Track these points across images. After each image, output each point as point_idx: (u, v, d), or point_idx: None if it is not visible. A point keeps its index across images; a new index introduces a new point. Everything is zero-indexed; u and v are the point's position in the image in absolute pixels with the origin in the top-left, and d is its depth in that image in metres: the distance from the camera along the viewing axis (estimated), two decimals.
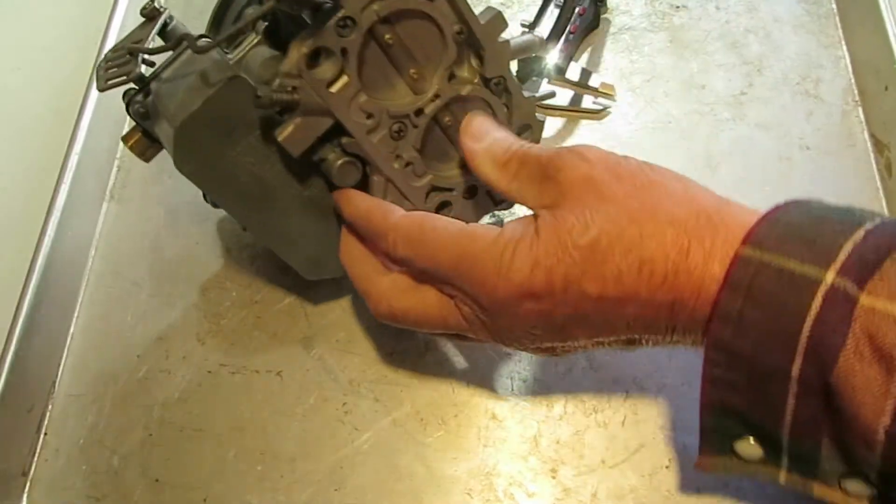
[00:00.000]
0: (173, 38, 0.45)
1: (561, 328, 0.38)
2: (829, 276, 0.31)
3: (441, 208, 0.48)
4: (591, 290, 0.36)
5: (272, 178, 0.45)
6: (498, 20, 0.44)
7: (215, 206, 0.49)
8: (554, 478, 0.48)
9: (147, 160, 0.48)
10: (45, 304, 0.54)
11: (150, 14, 0.47)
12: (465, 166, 0.46)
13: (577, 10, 0.64)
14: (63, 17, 0.62)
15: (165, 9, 0.47)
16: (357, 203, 0.44)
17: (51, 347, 0.55)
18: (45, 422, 0.53)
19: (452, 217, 0.43)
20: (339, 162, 0.43)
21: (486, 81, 0.46)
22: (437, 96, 0.44)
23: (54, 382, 0.54)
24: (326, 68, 0.40)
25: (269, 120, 0.42)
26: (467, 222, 0.41)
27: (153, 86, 0.44)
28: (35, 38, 0.59)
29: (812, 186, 0.58)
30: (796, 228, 0.33)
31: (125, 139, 0.47)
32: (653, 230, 0.35)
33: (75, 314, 0.57)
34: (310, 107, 0.40)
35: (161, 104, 0.42)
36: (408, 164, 0.45)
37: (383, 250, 0.42)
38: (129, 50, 0.44)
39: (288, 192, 0.45)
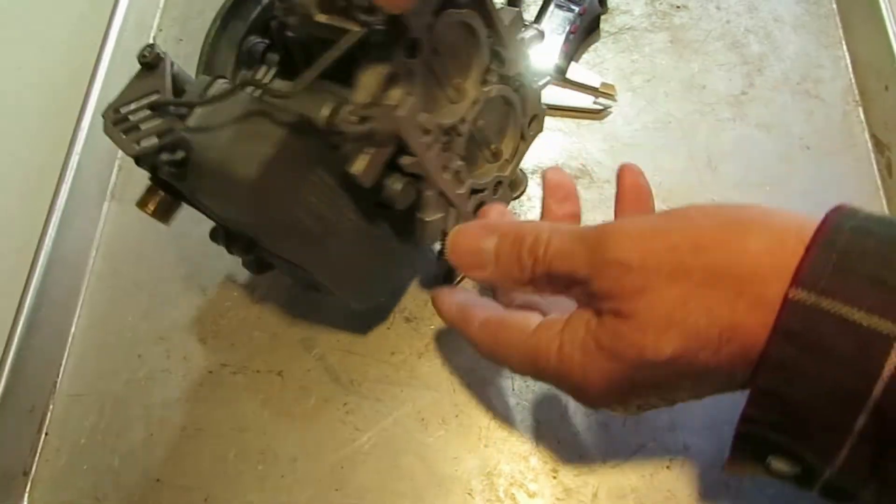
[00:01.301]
0: (180, 84, 0.43)
1: (658, 399, 0.37)
2: None
3: (478, 208, 0.48)
4: (684, 384, 0.34)
5: (332, 213, 0.42)
6: (518, 20, 0.44)
7: (260, 269, 0.47)
8: (555, 478, 0.48)
9: (169, 223, 0.44)
10: (45, 304, 0.54)
11: (152, 61, 0.43)
12: (492, 162, 0.48)
13: (577, 9, 0.64)
14: (63, 17, 0.62)
15: (165, 53, 0.45)
16: (444, 312, 0.43)
17: (51, 347, 0.55)
18: (46, 421, 0.53)
19: None
20: (401, 185, 0.41)
21: (505, 79, 0.46)
22: (474, 102, 0.44)
23: (55, 382, 0.54)
24: (395, 93, 0.39)
25: (329, 155, 0.39)
26: None
27: (184, 138, 0.41)
28: (35, 38, 0.59)
29: (812, 186, 0.58)
30: (856, 260, 0.29)
31: (144, 204, 0.42)
32: (740, 318, 0.31)
33: (76, 314, 0.57)
34: (380, 134, 0.39)
35: (207, 158, 0.39)
36: (455, 173, 0.45)
37: (468, 339, 0.42)
38: (151, 105, 0.42)
39: (346, 225, 0.43)
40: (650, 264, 0.32)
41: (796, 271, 0.30)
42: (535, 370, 0.37)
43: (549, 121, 0.58)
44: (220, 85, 0.42)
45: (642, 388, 0.35)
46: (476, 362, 0.52)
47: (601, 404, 0.37)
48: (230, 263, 0.58)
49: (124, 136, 0.41)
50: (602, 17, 0.67)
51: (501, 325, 0.39)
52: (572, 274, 0.35)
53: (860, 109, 0.62)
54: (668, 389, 0.35)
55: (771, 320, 0.30)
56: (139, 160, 0.41)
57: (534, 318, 0.39)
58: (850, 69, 0.64)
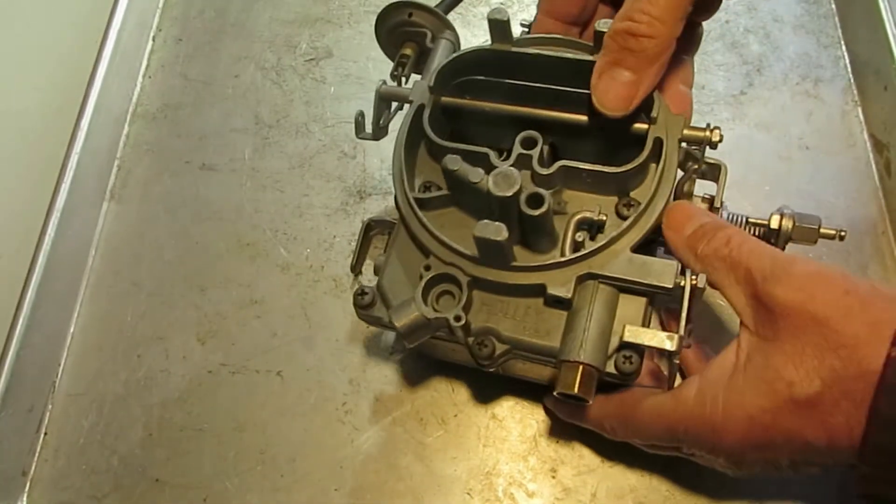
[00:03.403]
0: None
1: (786, 466, 0.37)
2: None
3: None
4: (818, 443, 0.34)
5: None
6: None
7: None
8: (554, 477, 0.48)
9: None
10: (44, 303, 0.54)
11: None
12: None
13: None
14: (63, 17, 0.62)
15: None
16: (566, 411, 0.46)
17: (50, 347, 0.55)
18: (45, 421, 0.53)
19: None
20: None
21: None
22: None
23: (54, 382, 0.54)
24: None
25: None
26: None
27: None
28: (35, 38, 0.59)
29: (812, 186, 0.58)
30: None
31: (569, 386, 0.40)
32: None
33: (75, 314, 0.57)
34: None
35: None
36: None
37: (606, 435, 0.44)
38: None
39: None
40: (825, 296, 0.34)
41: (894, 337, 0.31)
42: (672, 422, 0.38)
43: None
44: None
45: (780, 437, 0.35)
46: None
47: (735, 452, 0.37)
48: (230, 263, 0.58)
49: None
50: None
51: (628, 392, 0.42)
52: (751, 269, 0.36)
53: (859, 109, 0.62)
54: (802, 446, 0.35)
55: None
56: None
57: (657, 385, 0.42)
58: (850, 69, 0.64)
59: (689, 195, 0.45)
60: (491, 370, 0.42)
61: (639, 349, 0.39)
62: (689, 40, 0.46)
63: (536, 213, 0.38)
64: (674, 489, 0.47)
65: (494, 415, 0.50)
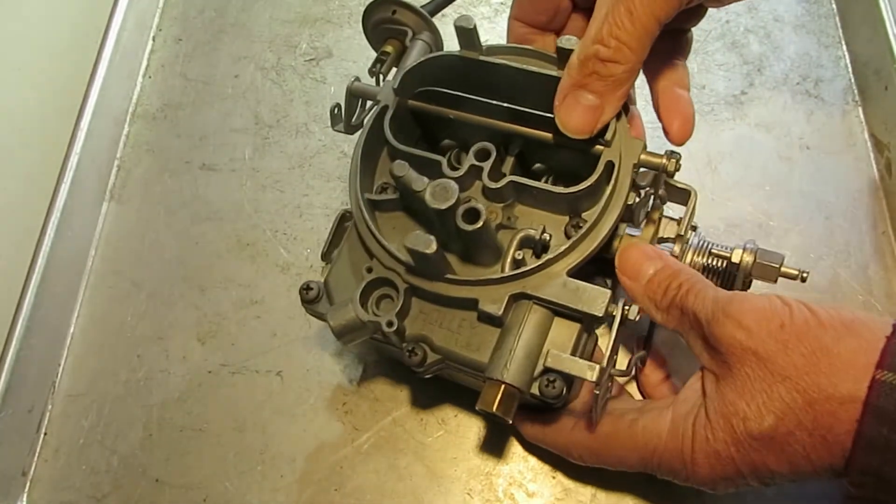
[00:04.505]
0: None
1: (760, 487, 0.39)
2: None
3: None
4: (781, 469, 0.36)
5: None
6: None
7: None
8: (554, 478, 0.48)
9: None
10: (44, 303, 0.54)
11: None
12: None
13: None
14: (63, 17, 0.62)
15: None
16: (529, 432, 0.46)
17: (50, 347, 0.55)
18: (45, 422, 0.53)
19: None
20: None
21: None
22: None
23: (54, 382, 0.54)
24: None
25: None
26: None
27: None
28: (35, 38, 0.58)
29: (812, 186, 0.58)
30: None
31: (489, 405, 0.39)
32: (834, 409, 0.34)
33: (75, 314, 0.57)
34: None
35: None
36: None
37: (574, 461, 0.44)
38: None
39: None
40: (761, 331, 0.36)
41: (882, 355, 0.33)
42: (645, 454, 0.40)
43: None
44: None
45: (745, 467, 0.36)
46: None
47: (707, 482, 0.39)
48: (230, 263, 0.58)
49: None
50: None
51: (601, 426, 0.42)
52: (697, 314, 0.38)
53: (860, 109, 0.62)
54: (768, 474, 0.37)
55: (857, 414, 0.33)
56: None
57: (625, 407, 0.42)
58: (850, 69, 0.64)
59: (657, 221, 0.44)
60: (427, 377, 0.43)
61: (564, 374, 0.39)
62: (679, 46, 0.46)
63: (470, 228, 0.37)
64: (674, 489, 0.47)
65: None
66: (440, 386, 0.49)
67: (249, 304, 0.56)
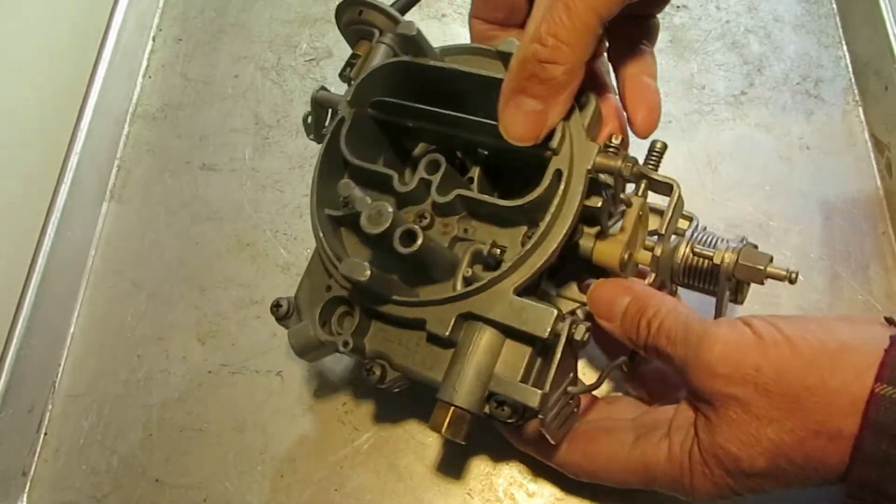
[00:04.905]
0: None
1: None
2: None
3: None
4: (781, 491, 0.37)
5: None
6: None
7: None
8: (554, 478, 0.48)
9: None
10: (44, 303, 0.54)
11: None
12: None
13: None
14: (63, 17, 0.62)
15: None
16: (522, 444, 0.44)
17: (51, 347, 0.55)
18: (45, 422, 0.53)
19: None
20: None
21: None
22: None
23: (54, 382, 0.54)
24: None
25: None
26: None
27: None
28: (35, 38, 0.58)
29: (812, 187, 0.58)
30: None
31: (438, 427, 0.38)
32: (824, 445, 0.34)
33: (75, 314, 0.57)
34: None
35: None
36: None
37: (571, 476, 0.44)
38: None
39: None
40: (735, 377, 0.35)
41: (879, 369, 0.33)
42: (645, 479, 0.39)
43: None
44: None
45: (743, 491, 0.37)
46: None
47: (709, 502, 0.39)
48: (230, 263, 0.58)
49: None
50: None
51: (591, 440, 0.41)
52: (672, 358, 0.38)
53: (860, 109, 0.62)
54: (766, 496, 0.37)
55: (851, 438, 0.33)
56: None
57: (621, 425, 0.41)
58: (850, 69, 0.64)
59: (640, 218, 0.41)
60: (396, 391, 0.43)
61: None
62: (646, 32, 0.44)
63: (406, 251, 0.36)
64: None
65: None
66: None
67: (249, 304, 0.56)
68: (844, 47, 0.65)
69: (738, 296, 0.44)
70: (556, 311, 0.37)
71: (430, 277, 0.40)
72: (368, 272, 0.36)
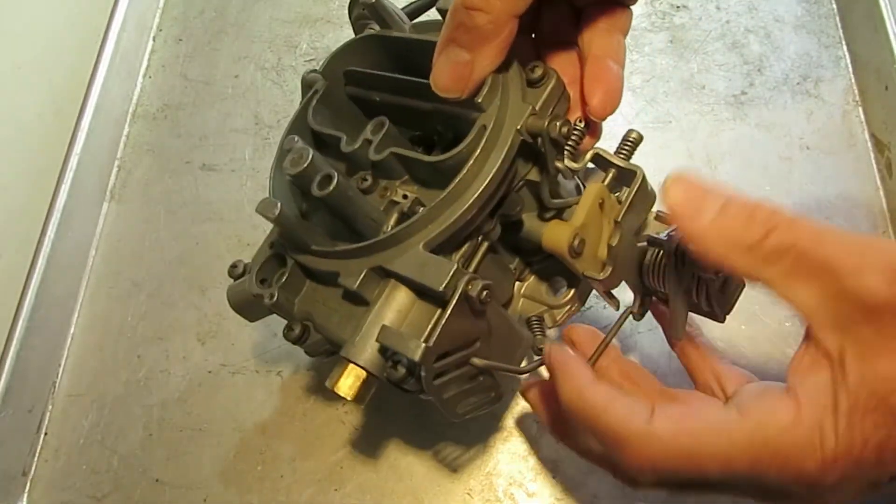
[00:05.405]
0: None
1: (877, 488, 0.30)
2: None
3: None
4: None
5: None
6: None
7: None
8: (554, 478, 0.48)
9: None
10: (45, 304, 0.54)
11: None
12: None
13: None
14: (63, 16, 0.62)
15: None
16: (586, 392, 0.34)
17: (51, 347, 0.55)
18: (46, 422, 0.53)
19: None
20: None
21: None
22: None
23: (54, 382, 0.54)
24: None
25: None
26: None
27: None
28: (35, 38, 0.59)
29: (812, 186, 0.58)
30: None
31: (332, 383, 0.37)
32: None
33: (75, 314, 0.57)
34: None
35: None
36: None
37: (626, 463, 0.33)
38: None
39: None
40: None
41: None
42: (757, 457, 0.30)
43: None
44: None
45: (889, 455, 0.28)
46: None
47: (835, 487, 0.30)
48: (229, 264, 0.58)
49: None
50: None
51: (685, 402, 0.33)
52: (828, 259, 0.29)
53: (860, 109, 0.62)
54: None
55: None
56: None
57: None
58: (850, 69, 0.64)
59: (602, 202, 0.38)
60: (325, 359, 0.41)
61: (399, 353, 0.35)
62: (619, 22, 0.41)
63: (319, 193, 0.35)
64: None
65: (495, 415, 0.50)
66: None
67: None
68: (844, 47, 0.65)
69: (718, 304, 0.38)
70: (456, 265, 0.35)
71: (358, 233, 0.39)
72: (277, 209, 0.35)
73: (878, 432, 0.28)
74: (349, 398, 0.35)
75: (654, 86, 0.64)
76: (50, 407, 0.54)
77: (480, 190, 0.36)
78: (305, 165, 0.35)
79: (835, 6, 0.67)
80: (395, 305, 0.36)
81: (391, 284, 0.37)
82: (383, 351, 0.36)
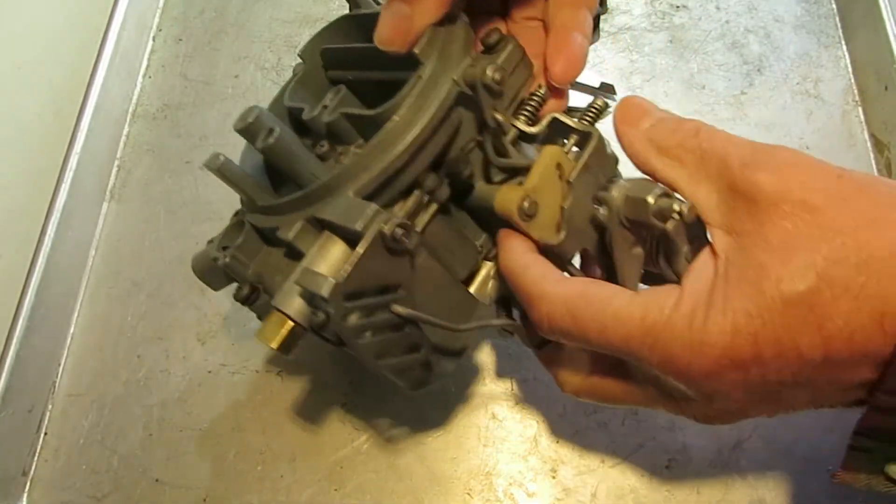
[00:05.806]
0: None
1: (773, 397, 0.31)
2: None
3: None
4: (813, 354, 0.28)
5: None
6: None
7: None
8: (554, 478, 0.48)
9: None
10: (44, 304, 0.54)
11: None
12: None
13: None
14: (63, 16, 0.62)
15: None
16: (515, 256, 0.36)
17: (51, 347, 0.55)
18: (46, 422, 0.53)
19: None
20: None
21: None
22: None
23: (54, 382, 0.54)
24: None
25: None
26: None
27: None
28: (35, 38, 0.59)
29: None
30: None
31: (260, 333, 0.37)
32: (879, 306, 0.27)
33: (75, 314, 0.57)
34: None
35: None
36: None
37: (533, 319, 0.35)
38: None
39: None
40: (815, 181, 0.29)
41: None
42: (630, 336, 0.31)
43: None
44: None
45: (766, 349, 0.29)
46: (476, 361, 0.52)
47: (711, 375, 0.30)
48: None
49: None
50: (602, 17, 0.67)
51: (595, 283, 0.34)
52: (727, 156, 0.31)
53: (860, 109, 0.62)
54: (787, 366, 0.29)
55: None
56: None
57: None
58: (850, 69, 0.64)
59: (558, 168, 0.37)
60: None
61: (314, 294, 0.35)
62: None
63: (262, 145, 0.35)
64: (674, 489, 0.47)
65: (494, 415, 0.50)
66: None
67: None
68: (844, 47, 0.65)
69: (666, 258, 0.36)
70: (377, 207, 0.35)
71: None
72: (221, 159, 0.36)
73: (752, 322, 0.28)
74: (274, 347, 0.35)
75: (653, 86, 0.64)
76: (50, 407, 0.54)
77: (412, 137, 0.36)
78: (251, 120, 0.36)
79: (835, 6, 0.67)
80: (328, 257, 0.36)
81: (325, 236, 0.36)
82: (306, 296, 0.35)
